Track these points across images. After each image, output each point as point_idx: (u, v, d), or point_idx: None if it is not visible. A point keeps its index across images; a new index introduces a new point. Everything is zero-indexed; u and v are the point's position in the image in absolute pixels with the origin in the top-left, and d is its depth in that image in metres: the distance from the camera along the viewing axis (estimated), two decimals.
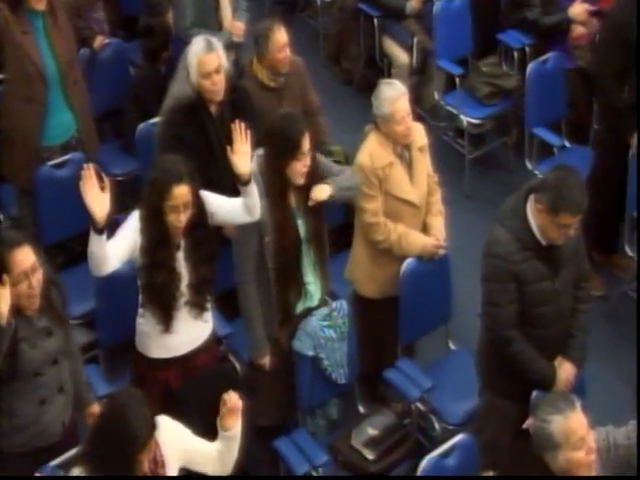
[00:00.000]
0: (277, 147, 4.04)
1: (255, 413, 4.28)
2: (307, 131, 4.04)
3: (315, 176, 4.15)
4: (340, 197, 4.24)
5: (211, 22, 5.46)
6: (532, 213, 3.83)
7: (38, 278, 3.45)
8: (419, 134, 4.57)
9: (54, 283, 3.60)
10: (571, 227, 3.78)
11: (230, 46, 5.24)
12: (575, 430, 3.12)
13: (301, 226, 4.18)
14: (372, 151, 4.44)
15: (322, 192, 4.13)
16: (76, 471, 3.10)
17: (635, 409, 3.84)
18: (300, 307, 4.25)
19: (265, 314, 4.18)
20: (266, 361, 4.23)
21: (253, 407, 4.21)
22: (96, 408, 3.77)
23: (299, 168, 4.04)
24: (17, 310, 3.42)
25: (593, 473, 3.17)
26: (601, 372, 4.42)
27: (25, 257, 3.41)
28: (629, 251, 5.30)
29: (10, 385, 3.47)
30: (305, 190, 4.14)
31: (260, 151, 4.14)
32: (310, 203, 4.13)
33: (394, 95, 4.39)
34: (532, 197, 3.84)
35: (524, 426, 3.25)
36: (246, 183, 3.90)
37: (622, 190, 5.20)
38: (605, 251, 5.49)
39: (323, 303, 4.29)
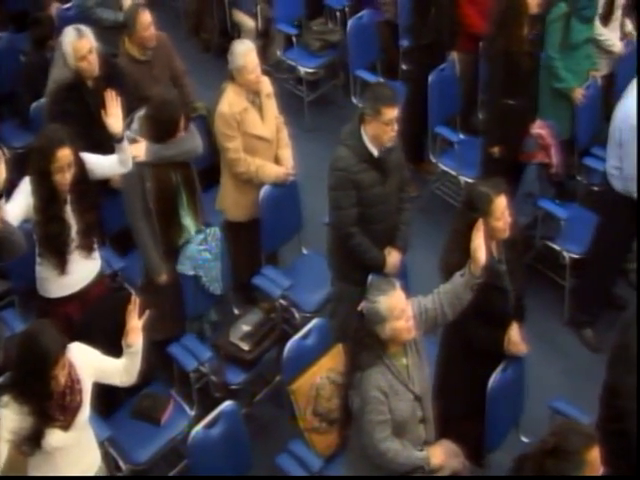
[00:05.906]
0: (157, 131, 3.80)
1: (151, 330, 4.07)
2: (182, 115, 3.80)
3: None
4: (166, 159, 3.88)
5: (112, 3, 5.04)
6: (365, 131, 3.72)
7: None
8: (266, 84, 4.36)
9: None
10: (394, 122, 3.67)
11: None
12: (396, 305, 3.04)
13: (174, 175, 3.89)
14: (230, 100, 4.21)
15: (137, 150, 3.83)
16: (5, 399, 2.83)
17: None
18: (181, 241, 3.98)
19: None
20: (164, 278, 3.97)
21: (149, 325, 4.00)
22: None
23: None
24: None
25: (412, 335, 3.09)
26: (419, 256, 4.33)
27: None
28: (432, 158, 5.26)
29: None
30: None
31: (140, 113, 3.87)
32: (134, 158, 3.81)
33: (245, 50, 4.18)
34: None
35: (358, 308, 3.12)
36: (119, 140, 3.63)
37: (426, 113, 5.10)
38: (416, 160, 5.39)
39: (198, 232, 4.03)
